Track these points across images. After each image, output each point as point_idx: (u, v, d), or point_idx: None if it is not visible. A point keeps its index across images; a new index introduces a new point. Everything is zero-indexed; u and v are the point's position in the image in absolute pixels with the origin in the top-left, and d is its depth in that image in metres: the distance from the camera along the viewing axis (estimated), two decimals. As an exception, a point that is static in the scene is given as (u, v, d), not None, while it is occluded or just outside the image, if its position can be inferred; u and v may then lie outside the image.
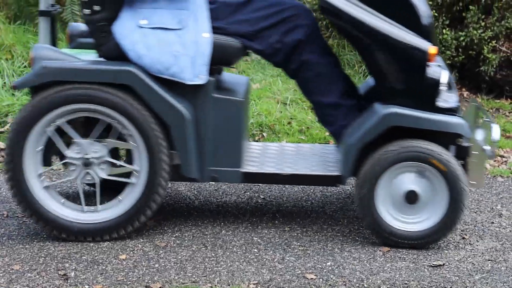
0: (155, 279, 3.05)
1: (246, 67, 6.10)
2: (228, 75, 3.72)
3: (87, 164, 3.35)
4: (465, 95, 5.87)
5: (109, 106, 3.26)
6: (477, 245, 3.45)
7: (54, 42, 3.68)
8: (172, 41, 3.27)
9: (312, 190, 4.13)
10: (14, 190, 3.33)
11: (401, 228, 3.36)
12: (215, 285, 3.01)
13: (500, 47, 5.82)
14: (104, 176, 3.38)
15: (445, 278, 3.12)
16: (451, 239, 3.52)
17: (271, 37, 3.41)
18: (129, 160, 3.41)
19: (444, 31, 5.71)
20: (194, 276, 3.08)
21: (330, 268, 3.19)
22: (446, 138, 3.34)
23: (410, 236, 3.35)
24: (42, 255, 3.25)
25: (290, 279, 3.07)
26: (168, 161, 3.32)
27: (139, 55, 3.27)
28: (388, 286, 3.04)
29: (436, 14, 5.67)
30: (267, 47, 3.42)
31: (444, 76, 3.30)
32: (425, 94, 3.29)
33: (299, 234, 3.53)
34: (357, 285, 3.04)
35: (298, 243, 3.42)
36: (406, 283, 3.06)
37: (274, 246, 3.38)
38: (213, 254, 3.28)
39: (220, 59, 3.38)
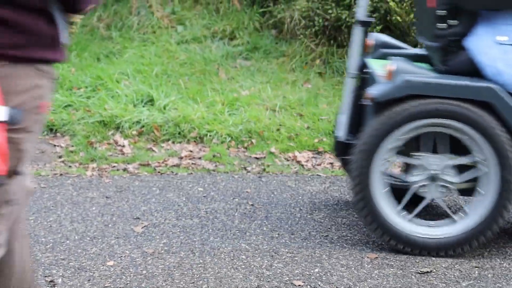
0: (143, 285, 3.04)
1: (236, 74, 6.11)
2: None
3: (433, 179, 3.40)
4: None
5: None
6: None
7: (363, 51, 3.75)
8: None
9: (300, 197, 4.13)
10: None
11: None
12: (203, 292, 3.01)
13: None
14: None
15: (433, 285, 3.13)
16: (438, 246, 3.53)
17: None
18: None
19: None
20: (181, 283, 3.08)
21: (317, 275, 3.19)
22: None
23: None
24: (29, 261, 3.24)
25: (278, 286, 3.07)
26: None
27: (498, 71, 3.28)
28: (376, 293, 3.05)
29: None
30: None
31: None
32: None
33: (287, 241, 3.53)
34: (345, 292, 3.05)
35: (286, 250, 3.42)
36: (393, 290, 3.07)
37: (262, 253, 3.38)
38: (201, 261, 3.28)
39: None
